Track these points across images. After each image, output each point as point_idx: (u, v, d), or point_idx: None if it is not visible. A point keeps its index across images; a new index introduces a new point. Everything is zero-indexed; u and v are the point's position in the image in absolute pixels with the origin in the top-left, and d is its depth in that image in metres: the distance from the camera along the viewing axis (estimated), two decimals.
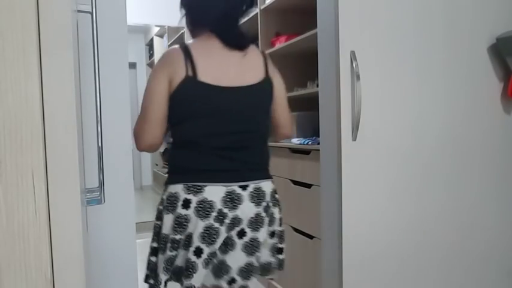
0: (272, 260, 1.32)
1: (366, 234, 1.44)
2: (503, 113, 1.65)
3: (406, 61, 1.46)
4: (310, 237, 2.00)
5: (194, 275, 1.16)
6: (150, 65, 4.31)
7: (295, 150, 2.11)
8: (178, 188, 1.18)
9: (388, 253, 1.48)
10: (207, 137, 1.20)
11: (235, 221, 1.20)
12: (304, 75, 2.46)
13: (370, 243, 1.44)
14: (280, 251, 1.35)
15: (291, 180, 2.16)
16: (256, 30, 2.46)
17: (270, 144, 2.34)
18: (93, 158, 1.17)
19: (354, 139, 1.38)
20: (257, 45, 2.28)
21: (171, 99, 1.19)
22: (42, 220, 0.58)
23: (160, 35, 4.19)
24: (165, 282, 1.21)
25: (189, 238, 1.17)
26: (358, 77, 1.34)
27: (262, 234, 1.24)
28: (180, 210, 1.16)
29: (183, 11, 1.30)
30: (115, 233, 1.29)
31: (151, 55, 4.29)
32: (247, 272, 1.23)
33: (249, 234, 1.23)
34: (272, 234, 1.31)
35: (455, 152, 1.57)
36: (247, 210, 1.20)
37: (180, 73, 1.16)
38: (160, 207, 1.26)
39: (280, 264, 1.35)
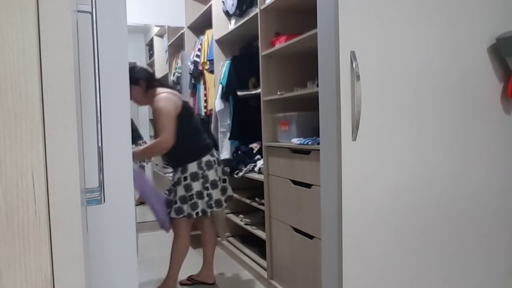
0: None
1: (366, 234, 1.44)
2: (503, 113, 1.65)
3: (406, 61, 1.46)
4: (310, 237, 2.00)
5: None
6: (150, 65, 4.31)
7: (295, 150, 2.11)
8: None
9: (388, 253, 1.48)
10: None
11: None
12: (304, 75, 2.46)
13: (370, 243, 1.45)
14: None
15: (291, 180, 2.16)
16: (256, 30, 2.46)
17: (271, 144, 2.35)
18: (93, 158, 1.17)
19: (354, 139, 1.38)
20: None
21: None
22: (42, 220, 0.58)
23: (160, 35, 4.18)
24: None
25: None
26: (358, 77, 1.34)
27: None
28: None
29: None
30: (115, 233, 1.29)
31: (151, 55, 4.28)
32: None
33: None
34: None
35: (455, 152, 1.57)
36: None
37: None
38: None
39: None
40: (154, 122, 2.32)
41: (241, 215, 3.12)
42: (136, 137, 3.76)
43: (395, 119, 1.45)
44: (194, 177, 2.30)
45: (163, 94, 2.31)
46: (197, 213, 2.31)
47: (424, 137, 1.51)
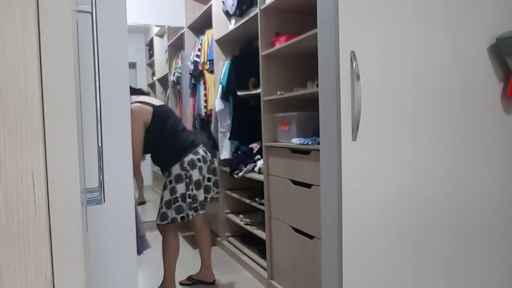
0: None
1: (366, 234, 1.44)
2: (503, 113, 1.65)
3: (406, 61, 1.46)
4: (310, 237, 2.00)
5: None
6: (150, 65, 4.31)
7: (295, 150, 2.11)
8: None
9: (388, 253, 1.48)
10: None
11: None
12: (304, 75, 2.46)
13: (370, 243, 1.45)
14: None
15: (291, 180, 2.16)
16: (256, 30, 2.46)
17: (271, 144, 2.35)
18: (93, 158, 1.17)
19: (354, 139, 1.38)
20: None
21: None
22: (42, 220, 0.58)
23: (160, 35, 4.19)
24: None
25: None
26: (358, 77, 1.34)
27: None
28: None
29: None
30: (115, 233, 1.29)
31: (151, 55, 4.28)
32: None
33: None
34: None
35: (455, 153, 1.57)
36: None
37: None
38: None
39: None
40: None
41: (241, 215, 3.12)
42: None
43: (395, 119, 1.45)
44: (178, 179, 2.26)
45: (132, 105, 2.20)
46: (182, 218, 2.27)
47: (424, 137, 1.51)
